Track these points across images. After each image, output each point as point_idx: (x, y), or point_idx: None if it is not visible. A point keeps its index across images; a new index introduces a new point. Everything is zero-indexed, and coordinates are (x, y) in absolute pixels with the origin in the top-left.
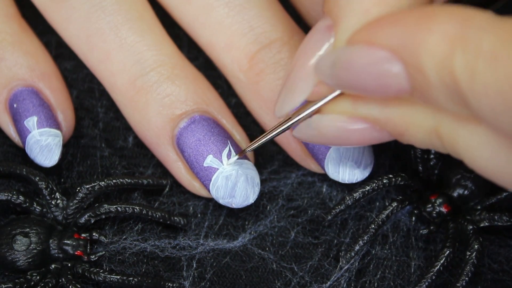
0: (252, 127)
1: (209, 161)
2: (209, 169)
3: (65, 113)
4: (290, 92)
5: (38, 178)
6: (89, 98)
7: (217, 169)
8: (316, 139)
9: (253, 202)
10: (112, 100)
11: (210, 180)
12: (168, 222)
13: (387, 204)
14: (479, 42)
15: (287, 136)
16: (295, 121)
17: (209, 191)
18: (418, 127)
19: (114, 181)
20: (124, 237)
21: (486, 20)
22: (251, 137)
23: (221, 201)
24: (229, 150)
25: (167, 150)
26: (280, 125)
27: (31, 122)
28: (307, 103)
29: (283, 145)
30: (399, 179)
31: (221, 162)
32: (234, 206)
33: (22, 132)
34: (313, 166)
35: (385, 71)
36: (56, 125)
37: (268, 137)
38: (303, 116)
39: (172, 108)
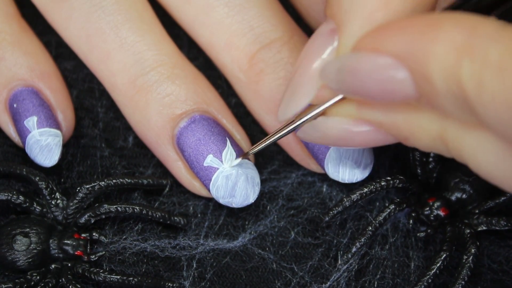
0: (252, 127)
1: (209, 160)
2: (209, 168)
3: (65, 113)
4: (293, 96)
5: (38, 178)
6: (89, 98)
7: (217, 168)
8: (320, 140)
9: (253, 201)
10: (112, 100)
11: (210, 179)
12: (168, 222)
13: (386, 204)
14: (486, 51)
15: (287, 136)
16: (299, 124)
17: (209, 190)
18: (423, 132)
19: (114, 181)
20: (124, 237)
21: (493, 29)
22: (251, 137)
23: (221, 201)
24: (230, 151)
25: (167, 150)
26: (283, 127)
27: (31, 122)
28: (310, 106)
29: (283, 145)
30: (397, 181)
31: (221, 161)
32: (234, 205)
33: (22, 132)
34: (313, 166)
35: (390, 77)
36: (56, 125)
37: (271, 140)
38: (306, 119)
39: (172, 108)
